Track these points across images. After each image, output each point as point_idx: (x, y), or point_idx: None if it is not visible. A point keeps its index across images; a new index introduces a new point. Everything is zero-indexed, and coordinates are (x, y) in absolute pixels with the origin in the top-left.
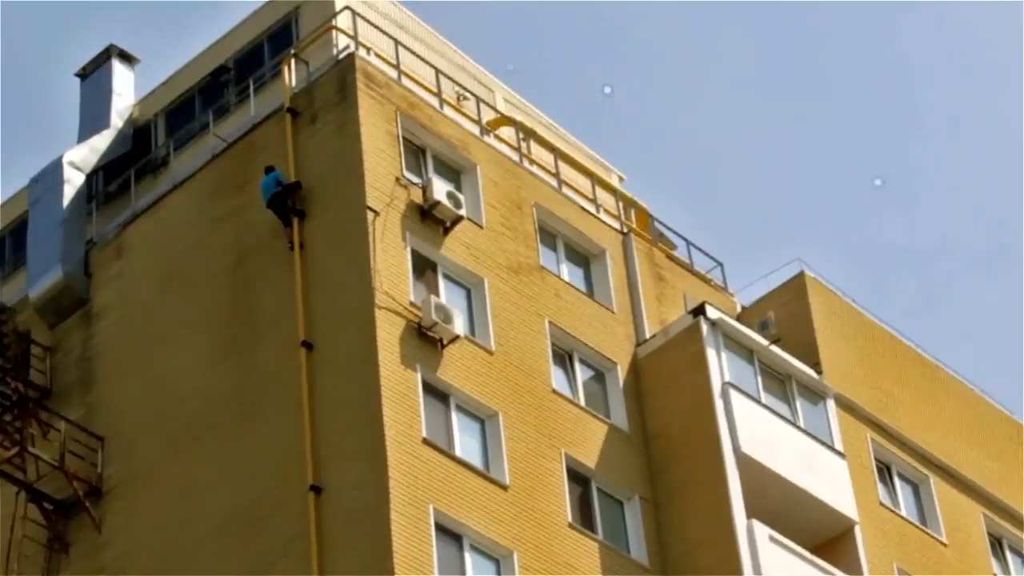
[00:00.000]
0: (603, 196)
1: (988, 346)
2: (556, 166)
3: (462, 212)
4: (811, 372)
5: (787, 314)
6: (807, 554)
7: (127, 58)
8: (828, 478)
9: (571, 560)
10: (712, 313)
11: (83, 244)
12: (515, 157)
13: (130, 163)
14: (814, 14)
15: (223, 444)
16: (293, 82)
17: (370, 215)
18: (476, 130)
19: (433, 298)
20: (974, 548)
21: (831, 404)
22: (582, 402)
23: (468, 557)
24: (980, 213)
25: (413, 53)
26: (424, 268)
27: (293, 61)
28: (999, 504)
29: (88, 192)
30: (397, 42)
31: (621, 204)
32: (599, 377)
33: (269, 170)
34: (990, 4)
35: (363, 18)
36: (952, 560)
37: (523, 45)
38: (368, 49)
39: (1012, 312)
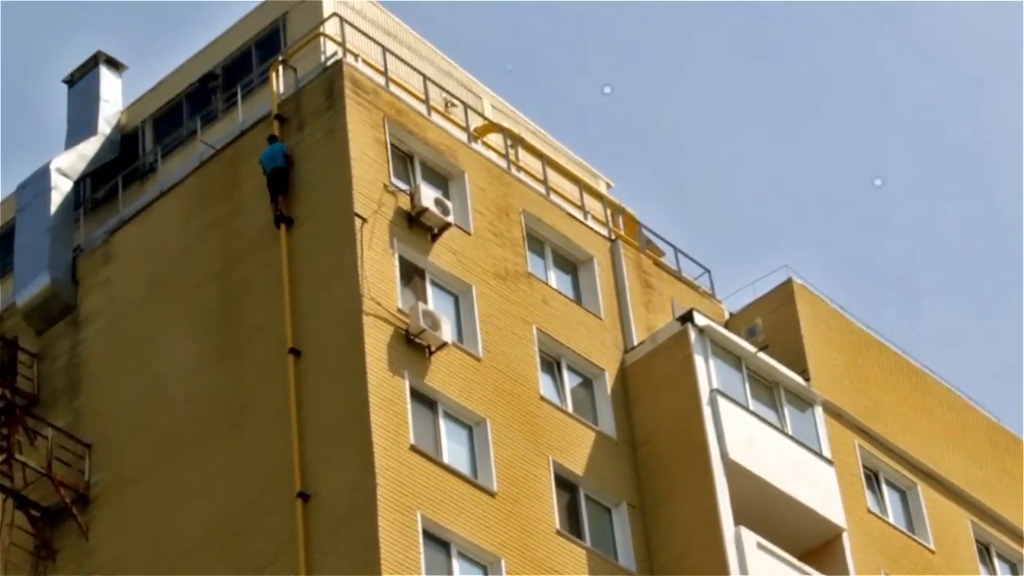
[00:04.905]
0: (591, 203)
1: (976, 353)
2: (544, 173)
3: (450, 219)
4: (799, 379)
5: (775, 321)
6: (795, 561)
7: (115, 64)
8: (816, 485)
9: (559, 567)
10: (700, 320)
11: (70, 250)
12: (503, 164)
13: (118, 169)
14: (803, 20)
15: (211, 451)
16: (281, 89)
17: (358, 222)
18: (464, 137)
19: (421, 305)
20: (962, 555)
21: (819, 411)
22: (570, 409)
23: (456, 564)
24: (968, 220)
25: (401, 60)
26: (412, 275)
27: (281, 68)
28: (987, 511)
29: (75, 199)
30: (385, 49)
31: (609, 211)
32: (587, 384)
33: (273, 139)
34: (975, 9)
35: (351, 24)
36: (940, 567)
37: (511, 52)
38: (356, 56)
39: (999, 319)
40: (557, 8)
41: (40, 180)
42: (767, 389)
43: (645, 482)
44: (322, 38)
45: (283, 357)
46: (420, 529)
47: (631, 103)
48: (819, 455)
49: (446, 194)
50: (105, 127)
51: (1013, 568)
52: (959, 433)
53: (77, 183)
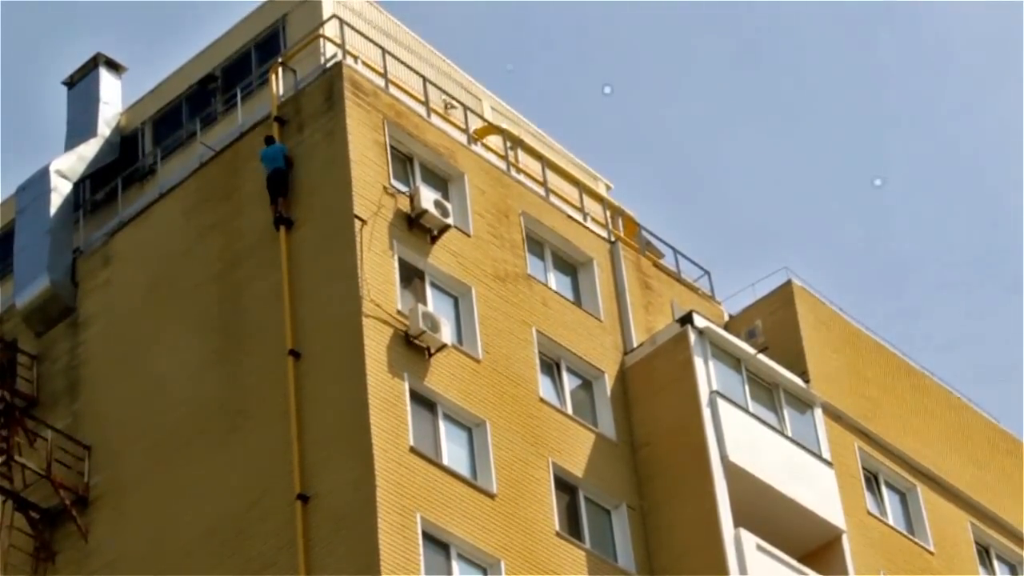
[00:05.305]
0: (590, 205)
1: (975, 354)
2: (543, 175)
3: (449, 221)
4: (798, 381)
5: (774, 323)
6: (794, 563)
7: (114, 67)
8: (815, 487)
9: (558, 569)
10: (699, 322)
11: (70, 253)
12: (502, 166)
13: (117, 171)
14: (802, 20)
15: (210, 452)
16: (280, 90)
17: (357, 224)
18: (463, 139)
19: (420, 307)
20: (961, 557)
21: (818, 413)
22: (569, 410)
23: (455, 565)
24: (967, 221)
25: (400, 62)
26: (411, 277)
27: (280, 69)
28: (986, 513)
29: (75, 201)
30: (384, 51)
31: (608, 213)
32: (586, 385)
33: (270, 140)
34: (975, 9)
35: (350, 26)
36: (939, 569)
37: (511, 52)
38: (355, 58)
39: (999, 320)
40: (557, 8)
41: (40, 182)
42: (767, 391)
43: (645, 484)
44: (321, 40)
45: (283, 359)
46: (420, 531)
47: (631, 103)
48: (819, 457)
49: (446, 196)
50: (105, 129)
51: (1012, 570)
52: (959, 435)
53: (77, 185)
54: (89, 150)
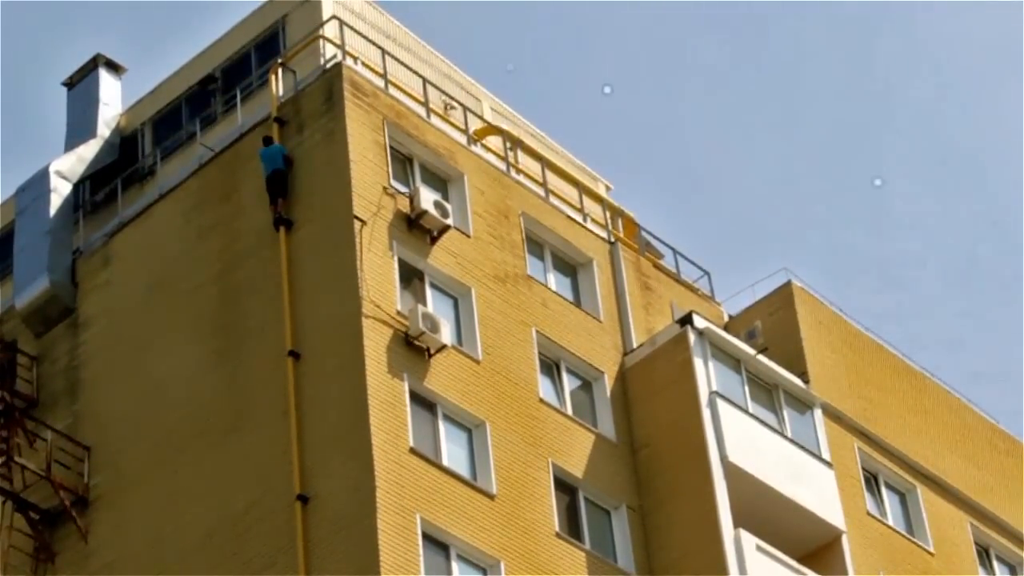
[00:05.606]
0: (590, 205)
1: (975, 355)
2: (543, 175)
3: (449, 221)
4: (798, 381)
5: (774, 324)
6: (794, 563)
7: (114, 67)
8: (815, 487)
9: (558, 569)
10: (699, 322)
11: (70, 253)
12: (502, 166)
13: (117, 172)
14: (802, 21)
15: (210, 453)
16: (280, 91)
17: (357, 224)
18: (463, 139)
19: (420, 307)
20: (961, 557)
21: (818, 413)
22: (569, 411)
23: (455, 566)
24: (967, 221)
25: (400, 62)
26: (411, 277)
27: (280, 70)
28: (986, 513)
29: (75, 201)
30: (384, 51)
31: (608, 213)
32: (586, 386)
33: (268, 141)
34: (974, 9)
35: (350, 27)
36: (939, 569)
37: (511, 52)
38: (355, 58)
39: (999, 320)
40: (557, 8)
41: (39, 183)
42: (766, 391)
43: (644, 485)
44: (321, 41)
45: (282, 359)
46: (419, 532)
47: (631, 103)
48: (818, 457)
49: (445, 197)
50: (104, 130)
51: (1012, 570)
52: (958, 435)
53: (76, 186)
54: (89, 151)
